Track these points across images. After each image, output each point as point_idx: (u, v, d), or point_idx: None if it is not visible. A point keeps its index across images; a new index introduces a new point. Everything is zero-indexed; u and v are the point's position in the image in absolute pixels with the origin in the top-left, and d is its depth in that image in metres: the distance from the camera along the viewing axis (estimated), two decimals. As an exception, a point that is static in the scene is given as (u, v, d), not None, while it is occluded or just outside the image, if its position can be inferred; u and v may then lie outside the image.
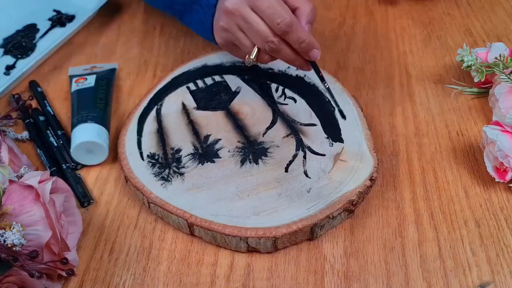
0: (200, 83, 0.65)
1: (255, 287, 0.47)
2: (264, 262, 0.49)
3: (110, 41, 0.75)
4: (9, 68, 0.70)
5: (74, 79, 0.66)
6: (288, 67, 0.65)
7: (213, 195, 0.52)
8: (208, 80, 0.65)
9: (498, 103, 0.57)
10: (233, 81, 0.64)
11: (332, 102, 0.60)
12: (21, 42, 0.73)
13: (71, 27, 0.75)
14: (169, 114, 0.61)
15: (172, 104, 0.62)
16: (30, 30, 0.76)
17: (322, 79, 0.57)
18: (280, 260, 0.49)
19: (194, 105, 0.62)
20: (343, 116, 0.58)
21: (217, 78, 0.65)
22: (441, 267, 0.48)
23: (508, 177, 0.52)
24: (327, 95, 0.60)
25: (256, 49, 0.54)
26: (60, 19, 0.77)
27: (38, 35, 0.75)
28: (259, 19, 0.52)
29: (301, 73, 0.64)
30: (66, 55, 0.73)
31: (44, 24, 0.77)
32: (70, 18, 0.77)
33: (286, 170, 0.54)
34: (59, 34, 0.74)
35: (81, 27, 0.76)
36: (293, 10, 0.53)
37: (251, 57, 0.55)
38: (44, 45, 0.73)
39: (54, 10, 0.79)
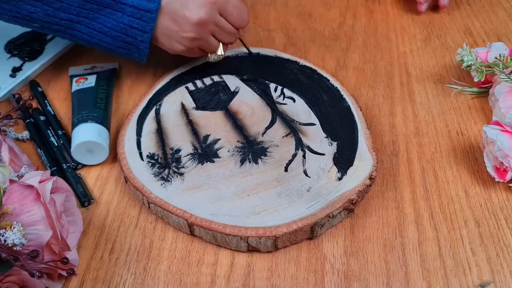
0: (199, 83, 0.65)
1: (256, 286, 0.47)
2: (264, 262, 0.49)
3: (110, 41, 0.75)
4: (15, 70, 0.70)
5: (74, 79, 0.66)
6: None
7: (213, 195, 0.52)
8: (207, 80, 0.65)
9: (498, 102, 0.57)
10: (232, 81, 0.64)
11: (246, 49, 0.67)
12: (30, 45, 0.73)
13: None
14: (168, 114, 0.61)
15: (171, 104, 0.62)
16: (40, 33, 0.75)
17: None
18: (281, 259, 0.49)
19: (193, 105, 0.62)
20: (250, 53, 0.67)
21: (216, 78, 0.65)
22: (441, 266, 0.48)
23: (508, 177, 0.52)
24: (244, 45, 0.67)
25: (221, 45, 0.61)
26: None
27: (48, 37, 0.75)
28: (225, 22, 0.59)
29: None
30: (66, 55, 0.73)
31: None
32: None
33: (286, 170, 0.54)
34: None
35: None
36: None
37: (219, 53, 0.62)
38: (52, 49, 0.72)
39: None
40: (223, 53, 0.62)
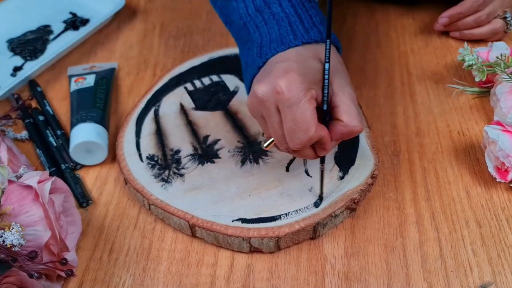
0: (197, 83, 0.64)
1: (255, 287, 0.47)
2: (264, 263, 0.49)
3: (109, 40, 0.75)
4: (16, 70, 0.70)
5: (73, 79, 0.66)
6: None
7: (214, 195, 0.52)
8: (206, 80, 0.65)
9: (499, 102, 0.57)
10: (231, 81, 0.64)
11: (319, 186, 0.51)
12: (33, 44, 0.73)
13: (83, 31, 0.73)
14: (167, 115, 0.61)
15: (170, 104, 0.62)
16: (43, 31, 0.75)
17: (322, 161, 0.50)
18: (281, 260, 0.49)
19: (192, 105, 0.62)
20: (318, 203, 0.50)
21: (215, 78, 0.65)
22: (442, 267, 0.47)
23: (509, 177, 0.52)
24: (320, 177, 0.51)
25: (270, 140, 0.48)
26: (74, 23, 0.76)
27: (51, 37, 0.74)
28: (279, 124, 0.45)
29: None
30: (65, 55, 0.73)
31: (59, 26, 0.76)
32: (85, 22, 0.77)
33: (287, 169, 0.53)
34: (70, 38, 0.72)
35: (94, 31, 0.74)
36: (332, 107, 0.46)
37: (263, 145, 0.49)
38: (54, 48, 0.72)
39: (70, 13, 0.78)
40: (264, 146, 0.49)
